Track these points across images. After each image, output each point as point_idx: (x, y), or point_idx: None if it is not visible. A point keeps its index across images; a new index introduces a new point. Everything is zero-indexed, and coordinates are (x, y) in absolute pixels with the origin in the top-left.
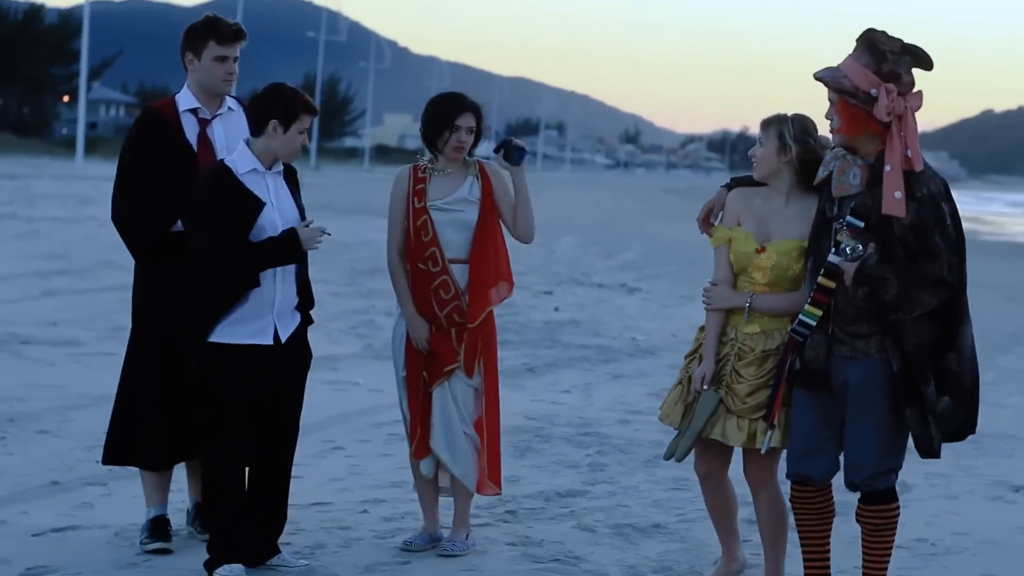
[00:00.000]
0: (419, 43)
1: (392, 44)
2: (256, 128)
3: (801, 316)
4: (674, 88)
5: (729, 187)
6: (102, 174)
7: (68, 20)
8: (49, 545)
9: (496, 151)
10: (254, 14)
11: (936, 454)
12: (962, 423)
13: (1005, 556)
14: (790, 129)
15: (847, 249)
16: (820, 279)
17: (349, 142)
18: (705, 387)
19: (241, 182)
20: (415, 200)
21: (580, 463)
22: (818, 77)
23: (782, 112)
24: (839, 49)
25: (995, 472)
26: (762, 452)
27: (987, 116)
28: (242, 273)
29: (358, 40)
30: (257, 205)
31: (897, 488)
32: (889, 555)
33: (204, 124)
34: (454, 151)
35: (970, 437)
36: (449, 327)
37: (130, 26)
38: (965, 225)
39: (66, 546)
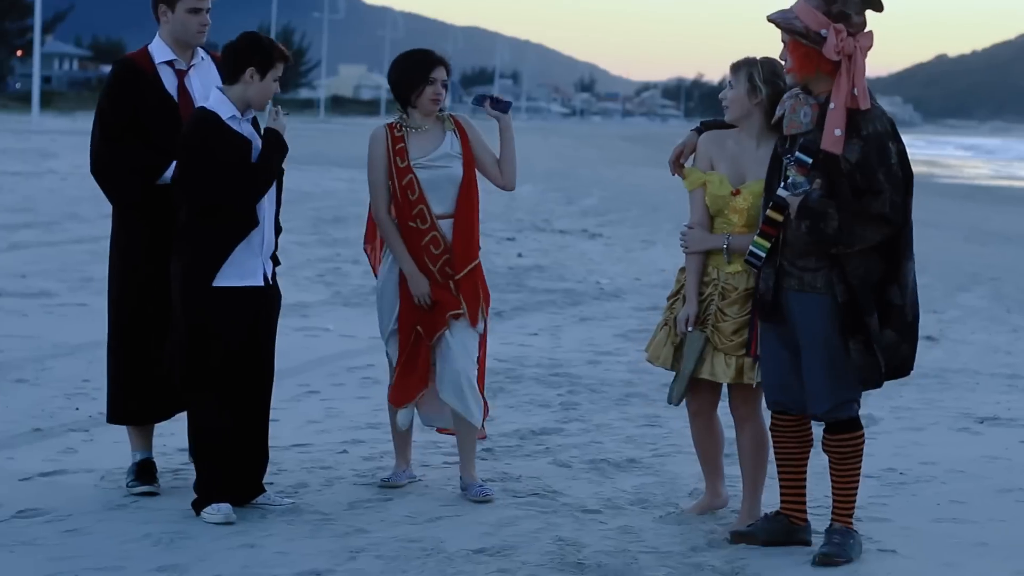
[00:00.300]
0: None
1: None
2: (231, 76)
3: (751, 247)
4: (629, 36)
5: (699, 130)
6: (59, 128)
7: None
8: (37, 489)
9: (479, 102)
10: None
11: (878, 384)
12: (906, 356)
13: (972, 484)
14: (759, 71)
15: (793, 184)
16: (768, 212)
17: (304, 93)
18: (690, 328)
19: (228, 126)
20: (397, 159)
21: (552, 403)
22: (771, 19)
23: (751, 55)
24: None
25: (960, 405)
26: (753, 386)
27: (941, 60)
28: (256, 200)
29: None
30: (247, 145)
31: (862, 418)
32: (856, 482)
33: (181, 75)
34: (431, 103)
35: (935, 371)
36: (444, 280)
37: None
38: (921, 168)
39: (54, 490)
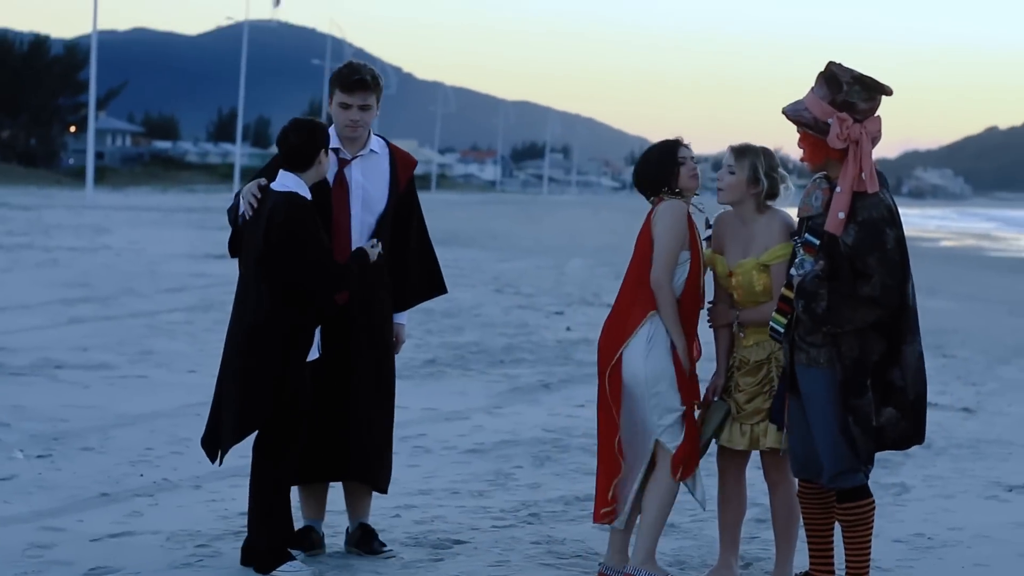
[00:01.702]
0: (423, 68)
1: (397, 70)
2: (307, 164)
3: (771, 322)
4: (679, 110)
5: None
6: (112, 203)
7: (73, 50)
8: (107, 549)
9: None
10: (259, 43)
11: (868, 461)
12: (908, 432)
13: (997, 548)
14: (763, 163)
15: (800, 263)
16: (783, 290)
17: None
18: (715, 398)
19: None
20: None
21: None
22: (784, 112)
23: (753, 144)
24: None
25: (991, 474)
26: (780, 453)
27: (992, 133)
28: (334, 292)
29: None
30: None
31: (893, 487)
32: (868, 548)
33: (343, 164)
34: (692, 179)
35: (969, 442)
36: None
37: (135, 55)
38: (969, 242)
39: (123, 550)
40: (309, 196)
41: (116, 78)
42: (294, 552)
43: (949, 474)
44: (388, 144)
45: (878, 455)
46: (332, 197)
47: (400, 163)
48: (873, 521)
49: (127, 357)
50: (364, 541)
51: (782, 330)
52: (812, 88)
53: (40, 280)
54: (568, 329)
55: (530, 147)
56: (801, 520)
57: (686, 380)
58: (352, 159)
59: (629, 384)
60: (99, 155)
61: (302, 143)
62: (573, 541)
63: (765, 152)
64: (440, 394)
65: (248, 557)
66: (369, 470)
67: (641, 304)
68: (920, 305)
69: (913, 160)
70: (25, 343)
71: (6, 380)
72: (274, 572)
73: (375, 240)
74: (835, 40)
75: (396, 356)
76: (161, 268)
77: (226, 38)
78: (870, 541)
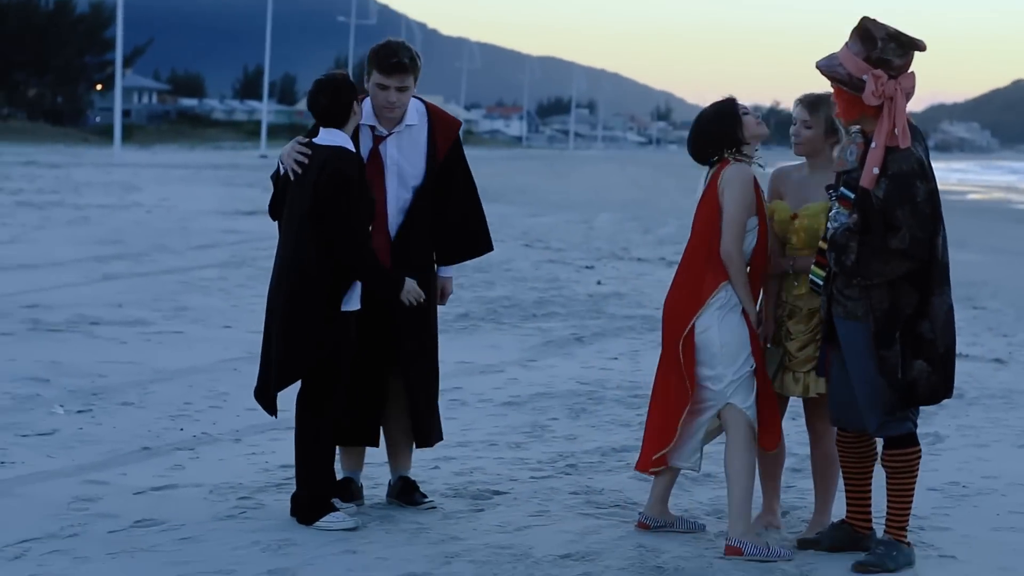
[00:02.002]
0: (448, 24)
1: (422, 26)
2: (342, 119)
3: (811, 275)
4: (705, 64)
5: None
6: (140, 161)
7: (99, 9)
8: (151, 501)
9: None
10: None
11: (892, 413)
12: (938, 386)
13: None
14: (833, 112)
15: (836, 216)
16: (820, 243)
17: None
18: (769, 345)
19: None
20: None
21: (632, 422)
22: (817, 66)
23: (824, 93)
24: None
25: None
26: (820, 406)
27: (1018, 86)
28: (363, 270)
29: (388, 23)
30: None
31: (929, 435)
32: (910, 497)
33: (378, 141)
34: (759, 127)
35: (1002, 392)
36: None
37: (160, 13)
38: (997, 195)
39: (166, 502)
40: (355, 149)
41: (142, 36)
42: (342, 504)
43: (982, 424)
44: (428, 111)
45: None
46: (367, 174)
47: (440, 130)
48: (918, 470)
49: (162, 313)
50: (405, 492)
51: (822, 283)
52: (846, 44)
53: (72, 238)
54: (599, 283)
55: (556, 103)
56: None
57: (758, 345)
58: (388, 135)
59: (701, 350)
60: (126, 113)
61: (331, 103)
62: (611, 491)
63: (831, 101)
64: (474, 348)
65: (295, 508)
66: (420, 430)
67: (713, 273)
68: (950, 258)
69: (939, 113)
70: (60, 300)
71: (43, 337)
72: (317, 523)
73: (421, 294)
74: None
75: (439, 309)
76: (192, 225)
77: None
78: (913, 489)
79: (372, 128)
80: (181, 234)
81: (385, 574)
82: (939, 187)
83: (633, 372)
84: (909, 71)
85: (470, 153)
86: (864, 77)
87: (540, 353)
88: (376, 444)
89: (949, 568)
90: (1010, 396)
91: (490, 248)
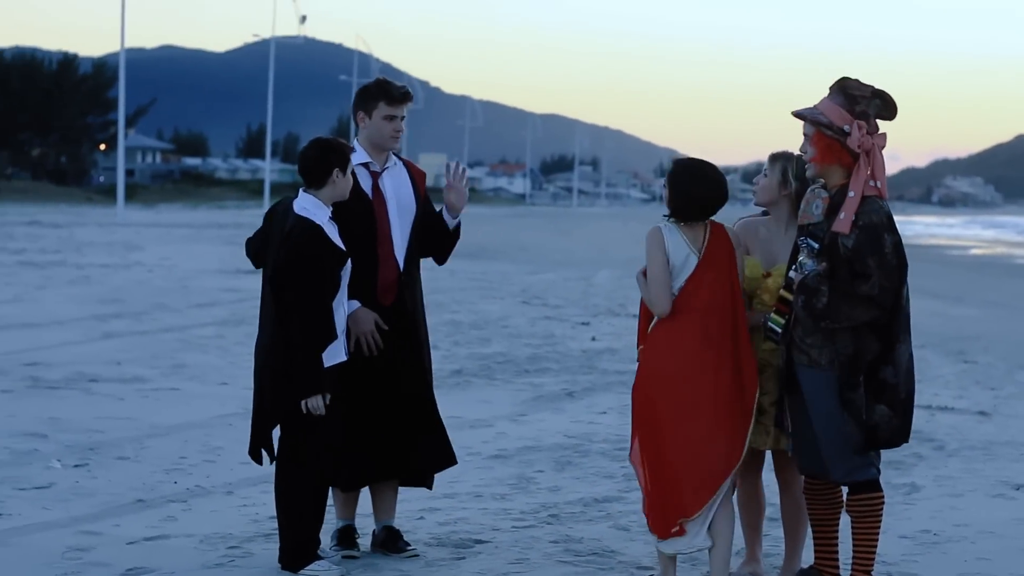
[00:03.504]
0: (451, 83)
1: (424, 84)
2: (319, 181)
3: (769, 322)
4: (708, 121)
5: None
6: (143, 220)
7: (102, 69)
8: (143, 551)
9: None
10: (286, 59)
11: (862, 451)
12: (897, 430)
13: (1000, 544)
14: (793, 167)
15: (801, 265)
16: (782, 291)
17: None
18: None
19: (329, 238)
20: None
21: (616, 474)
22: (796, 113)
23: (789, 150)
24: (870, 79)
25: (1001, 474)
26: (788, 454)
27: (1021, 140)
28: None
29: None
30: (342, 258)
31: (904, 487)
32: (875, 540)
33: (375, 176)
34: None
35: (982, 443)
36: None
37: (163, 73)
38: (1000, 250)
39: (158, 551)
40: (325, 217)
41: (145, 95)
42: (326, 553)
43: (959, 474)
44: (399, 158)
45: (889, 456)
46: (374, 207)
47: (416, 174)
48: (882, 515)
49: (160, 370)
50: (390, 541)
51: (780, 331)
52: (826, 97)
53: (73, 296)
54: (593, 339)
55: (559, 160)
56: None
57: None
58: (382, 171)
59: None
60: (129, 172)
61: (313, 159)
62: (590, 540)
63: (798, 158)
64: (466, 403)
65: (282, 555)
66: (444, 453)
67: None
68: (945, 313)
69: (943, 168)
70: (60, 358)
71: (42, 394)
72: (302, 570)
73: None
74: (860, 52)
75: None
76: (192, 283)
77: (253, 55)
78: (878, 534)
79: (367, 166)
80: (181, 293)
81: None
82: (942, 242)
83: (620, 426)
84: (881, 132)
85: (474, 211)
86: (846, 127)
87: (530, 408)
88: (376, 482)
89: None
90: (990, 448)
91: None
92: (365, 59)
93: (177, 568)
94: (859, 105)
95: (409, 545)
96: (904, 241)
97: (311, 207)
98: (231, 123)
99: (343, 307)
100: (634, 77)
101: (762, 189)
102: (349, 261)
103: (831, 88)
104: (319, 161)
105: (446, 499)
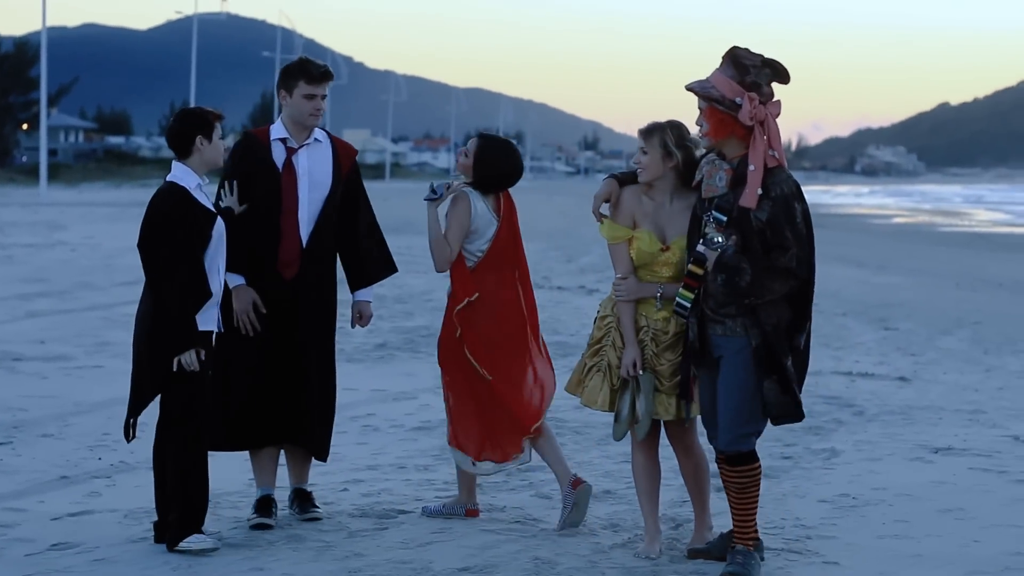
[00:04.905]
0: (374, 58)
1: (348, 60)
2: (185, 150)
3: (677, 298)
4: (632, 93)
5: (617, 179)
6: (67, 200)
7: (23, 48)
8: (67, 527)
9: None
10: (209, 36)
11: (798, 418)
12: (791, 406)
13: (918, 506)
14: (671, 137)
15: (711, 240)
16: (690, 266)
17: None
18: (641, 371)
19: (195, 199)
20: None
21: None
22: (689, 87)
23: (659, 121)
24: (795, 50)
25: (919, 438)
26: (686, 423)
27: (943, 109)
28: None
29: (313, 57)
30: (210, 218)
31: (826, 451)
32: (755, 508)
33: (291, 152)
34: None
35: (901, 408)
36: None
37: (85, 51)
38: (923, 218)
39: (82, 527)
40: (194, 183)
41: (67, 74)
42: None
43: (879, 439)
44: (329, 135)
45: (809, 423)
46: (282, 182)
47: (341, 151)
48: (760, 484)
49: (84, 348)
50: (297, 501)
51: (689, 305)
52: (718, 68)
53: None
54: None
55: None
56: (723, 487)
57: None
58: (299, 148)
59: None
60: (52, 152)
61: (175, 129)
62: (512, 508)
63: (671, 125)
64: (389, 376)
65: (160, 534)
66: (312, 439)
67: None
68: (868, 281)
69: (866, 138)
70: None
71: None
72: (180, 544)
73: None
74: (787, 20)
75: (355, 332)
76: (116, 262)
77: (176, 32)
78: (757, 502)
79: (284, 141)
80: (105, 271)
81: None
82: (865, 211)
83: None
84: (775, 99)
85: (399, 185)
86: (738, 100)
87: None
88: (280, 443)
89: (831, 573)
90: (909, 412)
91: (395, 269)
92: (288, 35)
93: (101, 543)
94: (749, 75)
95: (315, 507)
96: (827, 211)
97: (180, 174)
98: (154, 101)
99: (219, 274)
100: (557, 50)
101: (647, 167)
102: (221, 222)
103: (723, 58)
104: (180, 131)
105: (370, 471)
